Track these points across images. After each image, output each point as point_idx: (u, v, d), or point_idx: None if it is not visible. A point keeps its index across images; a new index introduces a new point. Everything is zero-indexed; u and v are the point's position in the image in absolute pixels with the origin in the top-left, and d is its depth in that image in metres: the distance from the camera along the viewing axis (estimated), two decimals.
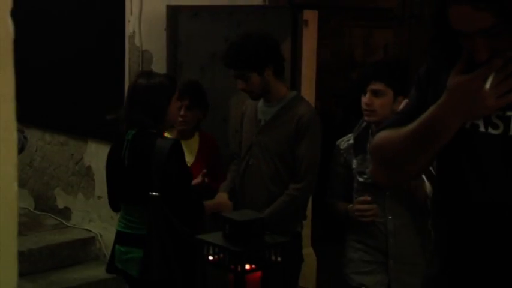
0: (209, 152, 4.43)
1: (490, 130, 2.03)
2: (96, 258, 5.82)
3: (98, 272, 5.62)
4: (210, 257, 2.34)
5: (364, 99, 3.55)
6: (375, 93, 3.51)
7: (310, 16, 5.46)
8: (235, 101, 4.76)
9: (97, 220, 5.92)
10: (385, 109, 3.49)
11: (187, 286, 3.81)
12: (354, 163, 3.70)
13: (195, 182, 3.96)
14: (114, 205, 4.01)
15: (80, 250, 5.77)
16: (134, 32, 5.60)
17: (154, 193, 3.58)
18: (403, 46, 5.26)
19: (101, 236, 5.86)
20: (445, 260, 2.24)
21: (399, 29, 5.32)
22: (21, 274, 5.34)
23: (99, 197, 5.90)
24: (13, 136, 1.17)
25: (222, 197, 4.15)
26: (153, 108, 3.73)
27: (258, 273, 2.31)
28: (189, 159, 4.19)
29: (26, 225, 5.40)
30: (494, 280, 2.10)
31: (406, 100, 2.28)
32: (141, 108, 3.72)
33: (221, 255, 2.32)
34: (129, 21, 5.61)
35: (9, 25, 1.15)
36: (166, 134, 4.02)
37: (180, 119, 4.15)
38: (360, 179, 3.64)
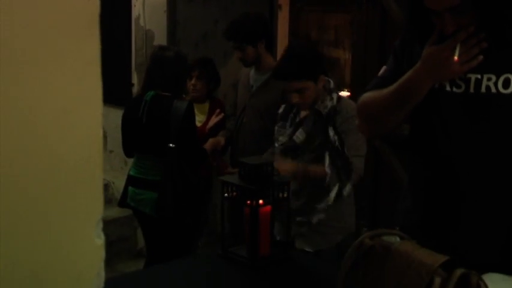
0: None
1: (454, 89, 2.14)
2: (109, 201, 5.87)
3: (111, 212, 5.70)
4: (228, 194, 2.43)
5: (291, 100, 3.42)
6: (298, 91, 3.36)
7: (284, 1, 5.57)
8: (223, 71, 4.85)
9: (109, 170, 5.98)
10: (311, 96, 3.37)
11: (193, 222, 3.97)
12: (275, 129, 3.61)
13: (214, 120, 4.20)
14: (129, 154, 4.12)
15: None
16: (139, 14, 5.66)
17: (171, 145, 3.70)
18: (361, 29, 5.32)
19: (113, 183, 5.93)
20: (417, 198, 2.35)
21: (358, 13, 5.36)
22: None
23: (110, 151, 5.97)
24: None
25: (217, 139, 4.33)
26: (170, 73, 3.83)
27: (268, 207, 2.40)
28: (201, 118, 4.39)
29: None
30: (458, 218, 2.22)
31: (384, 67, 2.36)
32: (160, 74, 3.83)
33: (238, 193, 2.41)
34: (134, 6, 5.68)
35: None
36: None
37: (191, 87, 4.35)
38: (275, 145, 3.56)
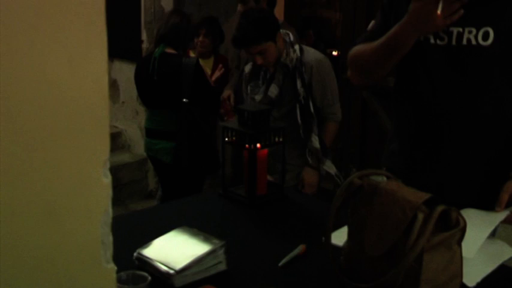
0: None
1: (438, 42, 2.10)
2: (122, 147, 5.84)
3: (124, 157, 5.68)
4: (228, 139, 2.37)
5: (256, 62, 3.28)
6: (260, 53, 3.22)
7: None
8: (225, 29, 4.74)
9: (122, 119, 5.92)
10: (273, 54, 3.24)
11: (208, 170, 3.94)
12: (248, 89, 3.49)
13: (217, 74, 4.12)
14: (147, 106, 4.12)
15: (111, 141, 5.76)
16: None
17: (185, 100, 3.66)
18: None
19: (125, 131, 5.87)
20: (402, 142, 2.30)
21: None
22: None
23: (123, 102, 5.90)
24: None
25: (226, 92, 4.21)
26: (178, 32, 3.79)
27: (265, 151, 2.34)
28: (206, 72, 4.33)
29: None
30: (439, 160, 2.17)
31: (373, 21, 2.30)
32: (170, 31, 3.79)
33: (237, 137, 2.35)
34: None
35: None
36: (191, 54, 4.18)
37: (198, 43, 4.35)
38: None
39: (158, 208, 2.41)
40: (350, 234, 1.78)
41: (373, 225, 1.69)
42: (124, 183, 5.51)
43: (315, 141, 3.17)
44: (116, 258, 1.95)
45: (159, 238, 1.92)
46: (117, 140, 5.82)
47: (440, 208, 1.62)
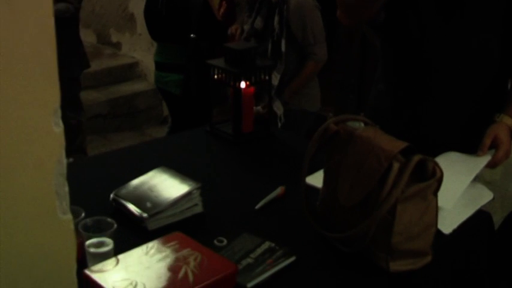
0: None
1: None
2: (139, 76, 5.60)
3: (141, 85, 5.45)
4: (216, 76, 2.13)
5: None
6: None
7: None
8: None
9: (139, 50, 5.65)
10: None
11: (215, 101, 3.68)
12: (244, 19, 3.24)
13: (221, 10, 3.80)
14: (155, 39, 3.83)
15: (128, 71, 5.57)
16: None
17: (192, 35, 3.39)
18: None
19: (142, 61, 5.62)
20: (389, 81, 2.04)
21: None
22: (90, 87, 5.24)
23: (140, 34, 5.61)
24: None
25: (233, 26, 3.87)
26: None
27: (252, 89, 2.10)
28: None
29: (91, 54, 5.15)
30: (426, 98, 1.93)
31: None
32: None
33: (224, 75, 2.10)
34: None
35: None
36: None
37: None
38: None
39: (144, 145, 2.19)
40: (325, 181, 1.55)
41: (346, 174, 1.46)
42: (140, 110, 5.31)
43: (275, 78, 2.80)
44: (95, 199, 1.76)
45: (136, 180, 1.70)
46: (134, 70, 5.59)
47: (416, 158, 1.39)
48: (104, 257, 1.40)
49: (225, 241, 1.51)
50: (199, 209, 1.65)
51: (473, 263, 1.68)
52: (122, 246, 1.44)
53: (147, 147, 2.14)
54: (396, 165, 1.39)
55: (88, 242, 1.39)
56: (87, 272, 1.31)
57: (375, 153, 1.41)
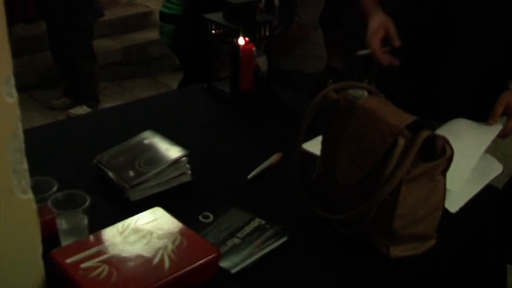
0: None
1: None
2: (153, 25, 5.28)
3: (154, 34, 5.12)
4: (215, 32, 1.84)
5: None
6: None
7: None
8: None
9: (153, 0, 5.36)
10: None
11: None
12: None
13: None
14: None
15: (143, 20, 5.26)
16: None
17: None
18: None
19: (156, 10, 5.30)
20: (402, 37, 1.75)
21: None
22: (104, 36, 4.95)
23: None
24: None
25: None
26: None
27: (251, 46, 1.81)
28: None
29: (106, 3, 4.84)
30: (444, 59, 1.65)
31: None
32: None
33: (223, 31, 1.81)
34: None
35: None
36: None
37: None
38: None
39: (135, 104, 1.92)
40: (322, 154, 1.29)
41: (345, 149, 1.19)
42: (154, 58, 5.03)
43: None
44: (76, 165, 1.51)
45: (120, 145, 1.45)
46: (148, 19, 5.27)
47: (424, 134, 1.12)
48: (77, 234, 1.17)
49: (211, 217, 1.27)
50: (186, 178, 1.40)
51: (479, 241, 1.42)
52: (101, 218, 1.21)
53: (138, 106, 1.87)
54: (402, 142, 1.12)
55: (59, 219, 1.15)
56: (54, 253, 1.07)
57: (378, 127, 1.14)
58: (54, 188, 1.19)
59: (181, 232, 1.13)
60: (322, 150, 1.28)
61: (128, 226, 1.15)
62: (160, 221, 1.16)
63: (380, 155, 1.13)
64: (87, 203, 1.16)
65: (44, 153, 1.48)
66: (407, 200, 1.14)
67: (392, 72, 1.73)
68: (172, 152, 1.40)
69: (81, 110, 3.81)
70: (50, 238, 1.15)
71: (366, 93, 1.24)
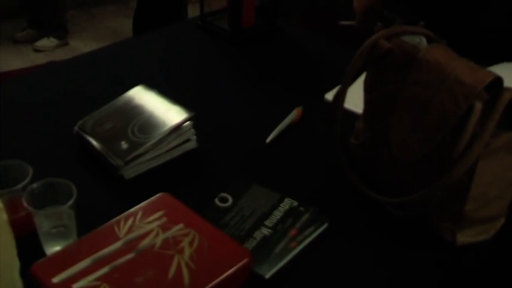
0: None
1: None
2: None
3: None
4: None
5: None
6: None
7: None
8: None
9: None
10: None
11: None
12: None
13: None
14: None
15: None
16: None
17: None
18: None
19: None
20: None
21: None
22: None
23: None
24: None
25: None
26: None
27: None
28: None
29: None
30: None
31: None
32: None
33: None
34: None
35: None
36: None
37: None
38: None
39: (116, 46, 1.60)
40: (368, 116, 1.03)
41: (404, 114, 0.93)
42: None
43: None
44: (47, 134, 1.21)
45: (106, 107, 1.16)
46: None
47: (508, 95, 0.87)
48: (63, 236, 0.91)
49: (230, 200, 1.01)
50: (192, 144, 1.14)
51: None
52: (89, 207, 0.95)
53: (120, 49, 1.56)
54: (479, 106, 0.87)
55: (38, 219, 0.89)
56: (36, 269, 0.81)
57: (448, 87, 0.88)
58: (29, 176, 0.92)
59: (199, 228, 0.88)
60: (368, 112, 1.02)
61: (128, 223, 0.89)
62: (169, 213, 0.90)
63: (452, 123, 0.88)
64: (74, 195, 0.89)
65: (12, 118, 1.20)
66: (483, 179, 0.90)
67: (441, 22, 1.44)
68: (172, 113, 1.12)
69: (49, 42, 3.44)
70: (30, 237, 0.89)
71: (424, 40, 0.97)
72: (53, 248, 0.90)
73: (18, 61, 3.38)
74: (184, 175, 1.08)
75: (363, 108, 1.03)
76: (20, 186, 0.90)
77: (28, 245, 0.88)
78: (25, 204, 0.86)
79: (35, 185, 0.89)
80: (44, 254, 0.90)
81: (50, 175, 0.92)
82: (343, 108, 1.00)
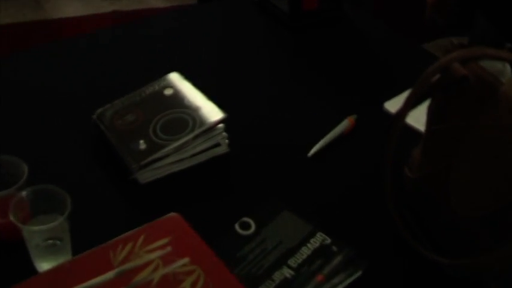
0: None
1: None
2: None
3: None
4: None
5: None
6: None
7: None
8: None
9: None
10: None
11: None
12: None
13: None
14: None
15: None
16: None
17: None
18: None
19: None
20: None
21: None
22: None
23: None
24: None
25: None
26: None
27: None
28: None
29: None
30: None
31: None
32: None
33: None
34: None
35: None
36: None
37: None
38: None
39: (153, 19, 1.45)
40: (427, 151, 0.86)
41: (471, 160, 0.76)
42: None
43: None
44: (68, 119, 1.08)
45: (130, 95, 1.04)
46: None
47: None
48: (54, 251, 0.80)
49: (253, 226, 0.88)
50: (223, 149, 1.00)
51: None
52: (93, 208, 0.85)
53: (153, 25, 1.41)
54: None
55: (26, 232, 0.77)
56: None
57: None
58: (23, 177, 0.80)
59: (206, 267, 0.75)
60: (428, 145, 0.85)
61: (127, 249, 0.77)
62: (176, 242, 0.78)
63: None
64: (68, 206, 0.77)
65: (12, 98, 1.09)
66: None
67: None
68: (203, 113, 0.98)
69: None
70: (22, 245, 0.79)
71: (509, 69, 0.79)
72: (43, 263, 0.79)
73: (79, 4, 3.24)
74: (206, 185, 0.95)
75: (423, 137, 0.86)
76: (12, 189, 0.79)
77: (19, 255, 0.78)
78: (11, 218, 0.75)
79: (25, 193, 0.78)
80: (34, 270, 0.80)
81: (55, 168, 0.82)
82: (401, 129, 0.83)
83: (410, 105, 0.79)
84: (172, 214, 0.82)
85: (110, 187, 0.93)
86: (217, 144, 0.99)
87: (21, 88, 1.13)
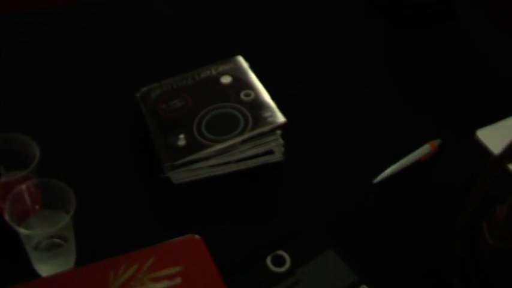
0: None
1: None
2: None
3: None
4: None
5: None
6: None
7: None
8: None
9: None
10: None
11: None
12: None
13: None
14: None
15: None
16: None
17: None
18: None
19: None
20: None
21: None
22: None
23: None
24: None
25: None
26: None
27: None
28: None
29: None
30: None
31: None
32: None
33: None
34: None
35: None
36: None
37: None
38: None
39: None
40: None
41: None
42: None
43: None
44: (105, 90, 0.93)
45: (184, 75, 0.91)
46: None
47: None
48: (57, 251, 0.70)
49: (287, 263, 0.74)
50: (275, 157, 0.86)
51: None
52: (112, 201, 0.76)
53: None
54: None
55: (23, 235, 0.68)
56: None
57: None
58: (35, 160, 0.70)
59: None
60: None
61: (129, 272, 0.66)
62: (188, 273, 0.66)
63: None
64: (73, 203, 0.67)
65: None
66: None
67: None
68: (262, 113, 0.85)
69: None
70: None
71: None
72: (44, 265, 0.70)
73: None
74: (247, 197, 0.82)
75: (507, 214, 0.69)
76: (27, 171, 0.69)
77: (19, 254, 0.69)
78: (7, 218, 0.65)
79: (24, 186, 0.68)
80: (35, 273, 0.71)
81: (79, 152, 0.72)
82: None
83: (480, 190, 0.62)
84: (190, 237, 0.70)
85: (137, 182, 0.82)
86: (270, 152, 0.85)
87: (49, 51, 1.03)
